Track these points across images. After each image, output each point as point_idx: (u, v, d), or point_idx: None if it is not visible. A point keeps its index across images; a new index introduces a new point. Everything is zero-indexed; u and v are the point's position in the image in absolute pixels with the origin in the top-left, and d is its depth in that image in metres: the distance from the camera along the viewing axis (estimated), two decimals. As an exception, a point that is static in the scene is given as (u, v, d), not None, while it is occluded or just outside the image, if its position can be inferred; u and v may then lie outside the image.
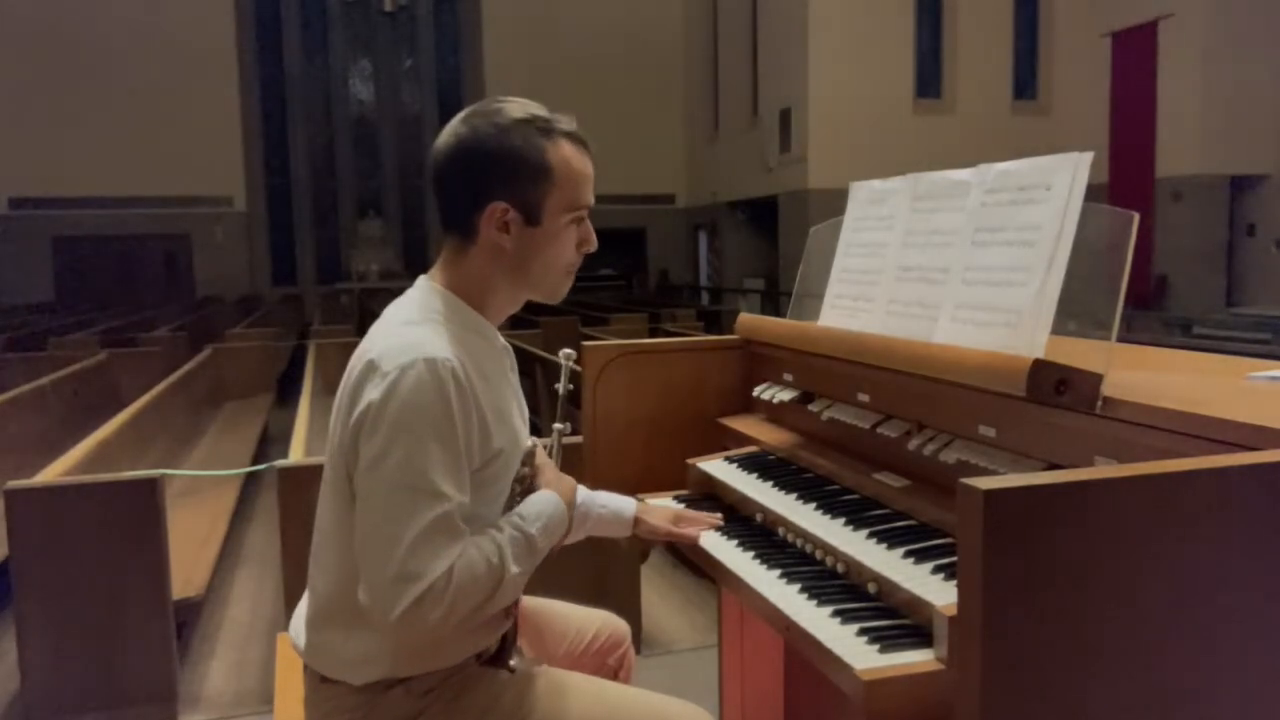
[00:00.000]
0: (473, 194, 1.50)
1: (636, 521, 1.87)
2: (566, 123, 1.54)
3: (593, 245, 1.59)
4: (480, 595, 1.41)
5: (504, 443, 1.52)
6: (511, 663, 1.62)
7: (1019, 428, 1.51)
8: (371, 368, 1.42)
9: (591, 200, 1.57)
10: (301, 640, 1.56)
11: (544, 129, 1.51)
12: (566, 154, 1.52)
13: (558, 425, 1.81)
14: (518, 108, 1.53)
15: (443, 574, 1.35)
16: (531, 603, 1.86)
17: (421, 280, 1.58)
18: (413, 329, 1.46)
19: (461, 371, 1.43)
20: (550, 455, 1.76)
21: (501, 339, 1.63)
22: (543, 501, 1.57)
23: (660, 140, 20.39)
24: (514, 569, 1.45)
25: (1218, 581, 1.07)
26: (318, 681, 1.53)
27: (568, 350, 2.01)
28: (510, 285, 1.56)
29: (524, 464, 1.61)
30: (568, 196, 1.52)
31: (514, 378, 1.66)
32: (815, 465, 1.99)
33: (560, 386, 1.91)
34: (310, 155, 20.98)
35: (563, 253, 1.56)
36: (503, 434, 1.52)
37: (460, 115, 1.54)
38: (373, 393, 1.40)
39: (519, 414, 1.64)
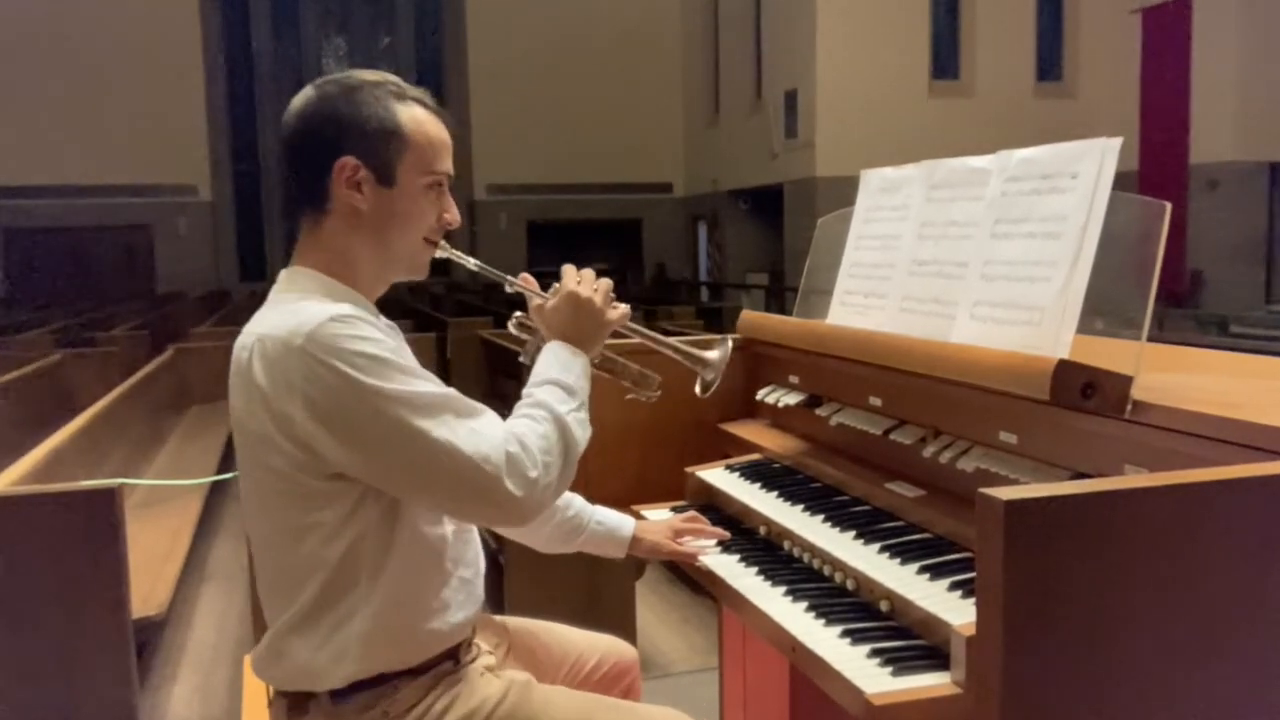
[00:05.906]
0: (323, 156, 1.52)
1: (635, 541, 1.89)
2: (423, 94, 1.61)
3: (455, 219, 1.63)
4: (551, 439, 1.50)
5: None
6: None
7: (1042, 434, 1.52)
8: (285, 348, 1.41)
9: (450, 169, 1.61)
10: (266, 665, 1.54)
11: (396, 93, 1.57)
12: (419, 116, 1.57)
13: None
14: (370, 73, 1.59)
15: (505, 435, 1.46)
16: (528, 624, 1.86)
17: (284, 273, 1.58)
18: (296, 305, 1.47)
19: (372, 321, 1.49)
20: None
21: (385, 319, 1.62)
22: (544, 361, 1.63)
23: (656, 125, 20.32)
24: (561, 408, 1.54)
25: (1256, 599, 1.07)
26: (283, 715, 1.54)
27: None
28: (372, 255, 1.57)
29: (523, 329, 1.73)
30: (422, 158, 1.56)
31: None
32: (823, 474, 1.99)
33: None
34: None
35: (422, 219, 1.58)
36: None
37: (310, 84, 1.59)
38: (295, 377, 1.40)
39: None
